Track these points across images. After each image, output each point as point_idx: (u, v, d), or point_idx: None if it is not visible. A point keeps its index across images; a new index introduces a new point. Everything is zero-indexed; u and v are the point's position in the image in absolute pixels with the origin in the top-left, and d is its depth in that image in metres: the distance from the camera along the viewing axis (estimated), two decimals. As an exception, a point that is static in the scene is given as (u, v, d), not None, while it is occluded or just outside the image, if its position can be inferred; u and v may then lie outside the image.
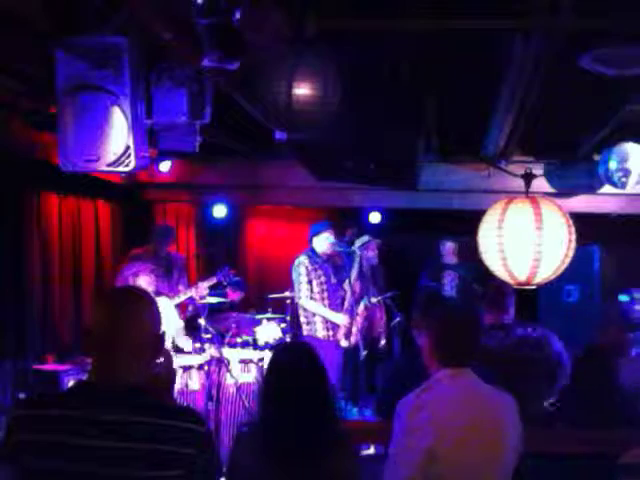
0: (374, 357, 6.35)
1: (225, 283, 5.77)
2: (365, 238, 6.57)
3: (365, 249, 6.53)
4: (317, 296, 5.47)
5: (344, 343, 5.49)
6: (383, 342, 6.63)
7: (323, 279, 5.51)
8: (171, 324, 5.09)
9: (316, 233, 5.58)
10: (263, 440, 2.21)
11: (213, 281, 5.63)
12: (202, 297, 5.53)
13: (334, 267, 5.73)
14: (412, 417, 2.33)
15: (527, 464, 2.56)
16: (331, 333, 5.48)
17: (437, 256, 7.15)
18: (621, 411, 3.10)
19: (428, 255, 7.32)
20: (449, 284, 6.95)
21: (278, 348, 2.56)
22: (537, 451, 2.88)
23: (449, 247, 7.05)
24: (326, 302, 5.49)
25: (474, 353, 2.45)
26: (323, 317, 5.47)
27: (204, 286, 5.52)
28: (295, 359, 2.33)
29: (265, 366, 5.15)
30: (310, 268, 5.46)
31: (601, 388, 3.11)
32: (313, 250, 5.57)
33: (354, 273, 5.66)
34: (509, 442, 2.35)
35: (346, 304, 5.59)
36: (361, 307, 5.90)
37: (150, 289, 4.86)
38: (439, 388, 2.38)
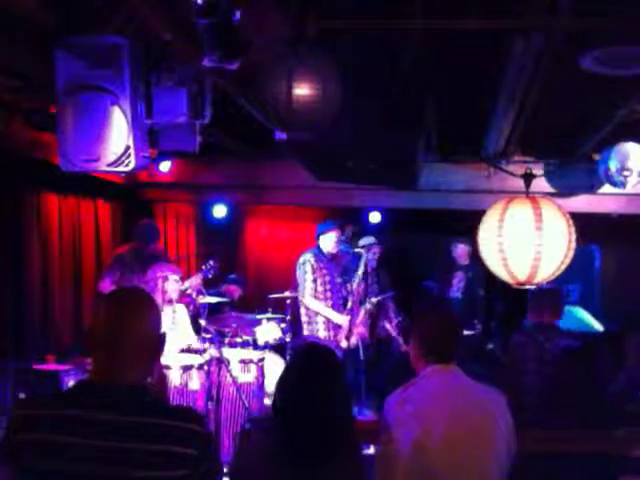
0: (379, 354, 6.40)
1: (211, 276, 5.80)
2: (370, 240, 6.57)
3: (368, 250, 6.54)
4: (321, 295, 5.45)
5: (344, 344, 5.48)
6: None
7: (327, 278, 5.50)
8: (184, 332, 5.10)
9: (323, 232, 5.58)
10: (276, 439, 2.21)
11: (199, 278, 5.66)
12: (199, 292, 5.55)
13: (337, 266, 5.73)
14: (398, 411, 2.36)
15: (528, 464, 2.56)
16: (332, 333, 5.47)
17: (449, 257, 7.09)
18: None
19: (435, 255, 7.29)
20: (456, 285, 6.90)
21: (300, 349, 2.56)
22: (537, 451, 2.88)
23: (461, 249, 6.97)
24: (329, 302, 5.48)
25: (457, 349, 2.51)
26: (325, 317, 5.46)
27: (191, 283, 5.57)
28: (318, 361, 2.33)
29: (265, 366, 5.16)
30: (315, 266, 5.44)
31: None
32: (319, 248, 5.56)
33: (360, 274, 5.65)
34: (500, 437, 2.35)
35: (349, 304, 5.59)
36: (364, 307, 5.89)
37: (174, 296, 4.91)
38: (425, 382, 2.43)
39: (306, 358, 2.37)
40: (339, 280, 5.63)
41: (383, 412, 2.42)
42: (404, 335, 6.61)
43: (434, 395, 2.38)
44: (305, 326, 5.56)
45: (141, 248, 5.93)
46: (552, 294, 4.03)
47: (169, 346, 4.57)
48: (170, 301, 4.94)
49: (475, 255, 6.97)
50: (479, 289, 6.86)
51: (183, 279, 5.65)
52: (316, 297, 5.44)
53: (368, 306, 5.95)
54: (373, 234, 6.76)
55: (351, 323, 5.50)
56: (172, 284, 4.93)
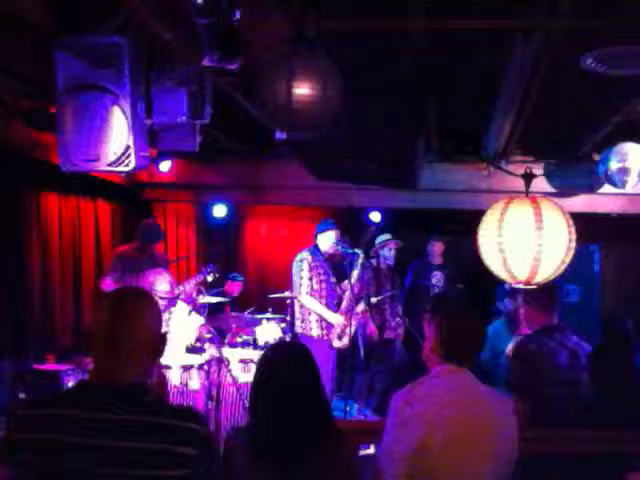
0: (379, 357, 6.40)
1: (210, 279, 5.78)
2: (385, 236, 6.58)
3: (382, 247, 6.55)
4: (316, 294, 5.45)
5: (337, 344, 5.46)
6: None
7: (323, 277, 5.50)
8: (182, 332, 5.08)
9: (321, 231, 5.58)
10: (253, 441, 2.20)
11: (198, 279, 5.64)
12: (199, 292, 5.54)
13: (333, 266, 5.73)
14: (404, 409, 2.34)
15: (532, 464, 2.55)
16: (325, 332, 5.47)
17: (424, 256, 7.15)
18: None
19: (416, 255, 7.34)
20: (436, 284, 6.97)
21: (269, 347, 2.53)
22: (540, 451, 2.88)
23: (438, 247, 7.07)
24: (323, 301, 5.48)
25: (475, 355, 2.47)
26: (318, 316, 5.45)
27: (190, 285, 5.54)
28: (285, 358, 2.31)
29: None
30: (312, 265, 5.44)
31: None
32: (316, 247, 5.57)
33: (355, 274, 5.65)
34: (502, 443, 2.34)
35: (344, 304, 5.58)
36: (360, 307, 5.89)
37: (165, 300, 4.88)
38: (433, 382, 2.41)
39: (271, 357, 2.34)
40: (334, 280, 5.64)
41: (388, 410, 2.40)
42: (405, 335, 6.62)
43: (440, 397, 2.36)
44: (298, 323, 5.56)
45: (143, 248, 5.93)
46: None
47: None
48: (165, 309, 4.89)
49: (448, 254, 7.07)
50: (458, 284, 6.94)
51: (173, 283, 5.63)
52: (311, 295, 5.44)
53: (361, 307, 5.93)
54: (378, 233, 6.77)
55: (345, 322, 5.48)
56: (166, 284, 4.90)
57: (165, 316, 4.92)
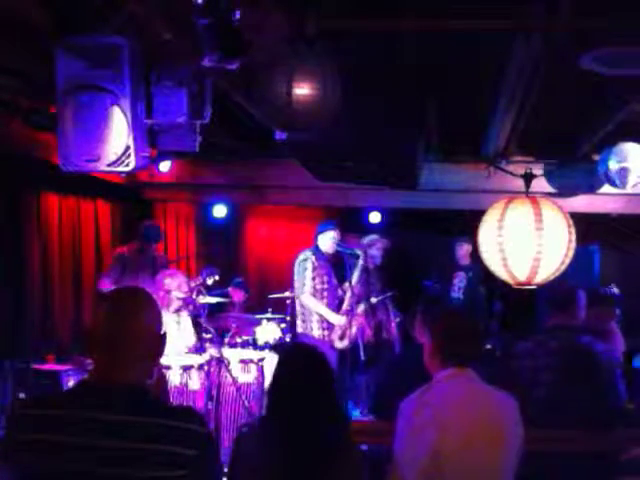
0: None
1: (210, 282, 5.77)
2: (372, 237, 6.57)
3: (369, 247, 6.53)
4: (317, 294, 5.45)
5: (338, 344, 5.46)
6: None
7: (325, 278, 5.49)
8: (188, 337, 5.08)
9: (322, 231, 5.57)
10: (268, 441, 2.20)
11: (198, 281, 5.64)
12: (199, 292, 5.54)
13: (332, 267, 5.73)
14: (416, 416, 2.35)
15: (531, 464, 2.56)
16: (326, 333, 5.46)
17: (451, 257, 7.10)
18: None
19: (434, 255, 7.30)
20: (457, 285, 6.92)
21: (287, 350, 2.55)
22: (539, 451, 2.88)
23: (465, 248, 7.01)
24: (324, 301, 5.47)
25: (476, 354, 2.47)
26: (320, 316, 5.44)
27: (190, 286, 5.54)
28: (305, 361, 2.32)
29: (265, 366, 5.15)
30: (315, 264, 5.44)
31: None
32: (317, 247, 5.56)
33: (356, 275, 5.63)
34: (510, 442, 2.35)
35: (345, 305, 5.58)
36: (361, 308, 5.89)
37: (175, 305, 4.87)
38: (442, 387, 2.41)
39: (293, 358, 2.37)
40: (335, 281, 5.63)
41: (400, 416, 2.40)
42: (403, 335, 6.60)
43: (450, 401, 2.37)
44: (299, 323, 5.56)
45: (144, 248, 5.93)
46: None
47: (172, 348, 4.57)
48: (177, 310, 4.91)
49: (475, 255, 7.01)
50: (480, 289, 6.87)
51: (188, 281, 5.62)
52: (313, 295, 5.43)
53: (363, 307, 5.93)
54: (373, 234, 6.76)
55: (346, 323, 5.48)
56: (180, 290, 4.89)
57: (175, 317, 4.92)
